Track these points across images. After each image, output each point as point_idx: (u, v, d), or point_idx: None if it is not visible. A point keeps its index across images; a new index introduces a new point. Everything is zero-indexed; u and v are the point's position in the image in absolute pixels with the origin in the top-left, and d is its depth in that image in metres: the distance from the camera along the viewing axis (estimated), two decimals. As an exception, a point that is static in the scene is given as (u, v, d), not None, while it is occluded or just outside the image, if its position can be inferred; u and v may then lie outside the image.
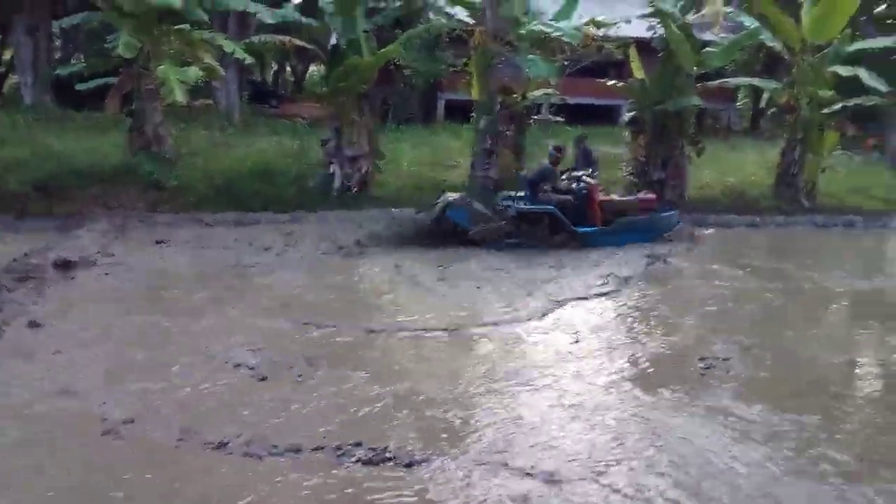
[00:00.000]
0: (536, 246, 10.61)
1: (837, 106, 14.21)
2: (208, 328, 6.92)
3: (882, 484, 4.40)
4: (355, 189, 13.62)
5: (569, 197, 11.04)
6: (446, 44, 18.83)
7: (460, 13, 13.96)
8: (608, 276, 9.26)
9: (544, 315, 7.67)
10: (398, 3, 16.27)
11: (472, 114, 14.30)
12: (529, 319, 7.52)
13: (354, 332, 6.96)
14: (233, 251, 10.20)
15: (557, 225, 10.80)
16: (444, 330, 7.10)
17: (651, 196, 12.16)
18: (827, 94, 13.84)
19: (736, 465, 4.55)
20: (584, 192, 11.14)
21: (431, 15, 16.13)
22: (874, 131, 24.90)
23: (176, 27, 13.10)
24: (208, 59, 13.55)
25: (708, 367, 6.25)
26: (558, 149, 11.50)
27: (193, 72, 13.16)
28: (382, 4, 17.96)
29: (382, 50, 13.51)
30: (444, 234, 10.71)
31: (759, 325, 7.62)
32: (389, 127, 20.08)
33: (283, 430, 4.84)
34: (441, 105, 24.33)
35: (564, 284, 8.90)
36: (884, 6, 29.88)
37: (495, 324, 7.34)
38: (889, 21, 29.42)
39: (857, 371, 6.65)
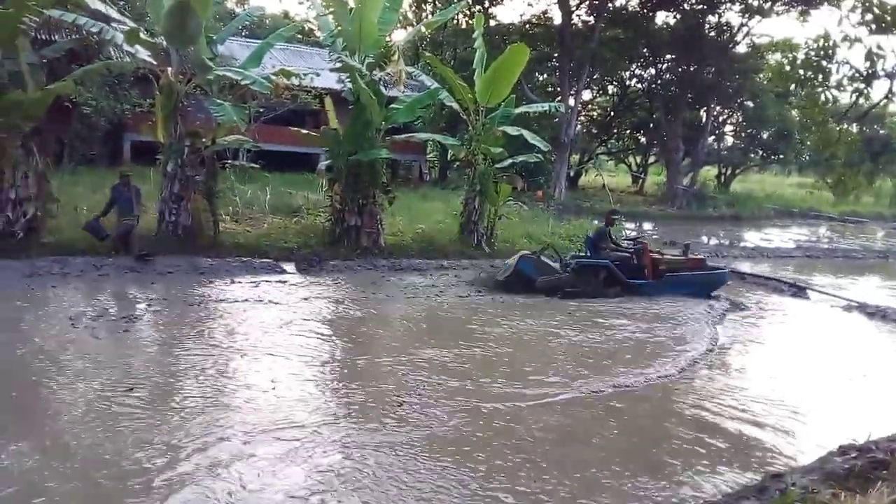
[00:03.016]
0: (594, 294, 11.98)
1: (507, 162, 15.93)
2: None
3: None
4: (21, 235, 12.11)
5: (626, 254, 12.69)
6: (132, 83, 17.73)
7: (142, 52, 13.21)
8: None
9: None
10: (75, 37, 14.91)
11: (159, 157, 13.58)
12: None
13: None
14: None
15: (613, 277, 12.27)
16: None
17: (699, 256, 13.78)
18: (497, 150, 15.38)
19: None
20: (639, 249, 12.75)
21: (112, 51, 15.05)
22: (541, 185, 28.35)
23: None
24: None
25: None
26: (613, 212, 13.63)
27: None
28: (56, 37, 16.41)
29: (52, 85, 12.30)
30: (517, 283, 12.20)
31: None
32: (66, 168, 18.27)
33: None
34: (127, 146, 22.76)
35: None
36: (545, 76, 34.47)
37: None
38: (549, 88, 33.96)
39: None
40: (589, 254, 12.93)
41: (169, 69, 12.81)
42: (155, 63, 13.21)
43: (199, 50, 12.75)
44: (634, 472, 5.46)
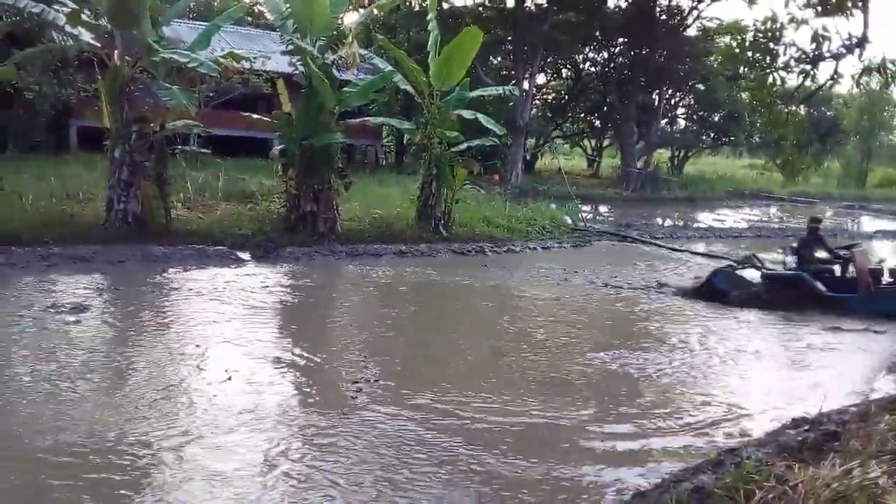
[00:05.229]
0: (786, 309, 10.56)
1: (463, 146, 15.87)
2: None
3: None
4: (-39, 227, 11.68)
5: (828, 265, 11.32)
6: (76, 66, 17.17)
7: (85, 35, 12.76)
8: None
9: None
10: (14, 19, 14.37)
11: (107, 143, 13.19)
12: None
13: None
14: None
15: (812, 290, 10.73)
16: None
17: None
18: (453, 134, 15.31)
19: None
20: (844, 259, 11.16)
21: (54, 34, 14.54)
22: (498, 168, 28.35)
23: None
24: None
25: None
26: (815, 220, 12.15)
27: None
28: (-6, 19, 15.80)
29: (-11, 69, 11.88)
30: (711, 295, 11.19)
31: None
32: (10, 156, 17.70)
33: None
34: (74, 132, 22.11)
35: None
36: (499, 59, 34.44)
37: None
38: (503, 72, 33.94)
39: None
40: (794, 264, 11.39)
41: (115, 52, 12.42)
42: (99, 46, 12.80)
43: (144, 32, 12.38)
44: (601, 458, 5.53)
